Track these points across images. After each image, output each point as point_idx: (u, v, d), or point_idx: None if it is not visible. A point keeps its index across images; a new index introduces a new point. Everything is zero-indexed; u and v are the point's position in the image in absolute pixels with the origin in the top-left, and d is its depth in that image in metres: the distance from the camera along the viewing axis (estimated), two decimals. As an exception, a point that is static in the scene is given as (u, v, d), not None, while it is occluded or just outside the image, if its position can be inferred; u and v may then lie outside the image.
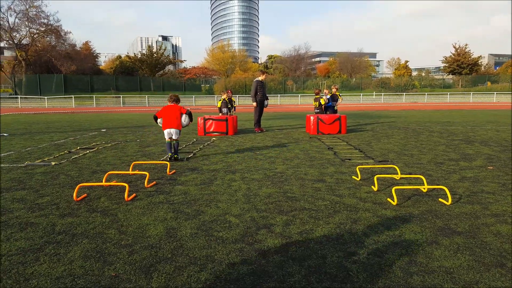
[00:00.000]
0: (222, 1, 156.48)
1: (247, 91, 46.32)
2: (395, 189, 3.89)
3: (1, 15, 44.74)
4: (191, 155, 6.50)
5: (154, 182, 4.50)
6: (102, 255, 2.50)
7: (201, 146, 7.58)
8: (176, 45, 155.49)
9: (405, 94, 42.24)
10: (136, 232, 2.91)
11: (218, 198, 3.82)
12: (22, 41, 47.70)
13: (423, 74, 64.80)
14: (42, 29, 48.04)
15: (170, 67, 63.68)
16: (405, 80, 55.19)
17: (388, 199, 3.74)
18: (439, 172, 4.99)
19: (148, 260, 2.41)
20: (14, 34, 46.21)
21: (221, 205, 3.59)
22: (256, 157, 6.26)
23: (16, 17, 45.82)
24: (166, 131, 6.00)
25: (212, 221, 3.16)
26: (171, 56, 71.25)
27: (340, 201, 3.70)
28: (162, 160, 5.94)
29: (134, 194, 3.95)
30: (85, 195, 3.94)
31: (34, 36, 47.81)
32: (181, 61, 75.20)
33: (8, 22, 45.52)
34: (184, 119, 6.10)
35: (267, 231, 2.92)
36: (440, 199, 3.73)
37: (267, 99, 10.83)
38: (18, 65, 48.14)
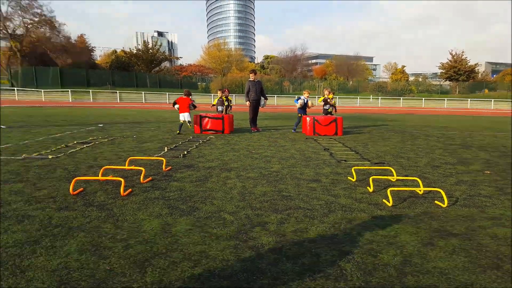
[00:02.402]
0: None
1: (243, 90, 46.23)
2: (391, 191, 3.91)
3: None
4: (187, 152, 6.48)
5: (150, 178, 4.48)
6: (98, 249, 2.49)
7: (197, 144, 7.56)
8: (172, 42, 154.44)
9: (402, 99, 42.43)
10: (132, 227, 2.90)
11: (213, 195, 3.82)
12: (16, 31, 47.00)
13: (420, 79, 65.09)
14: (36, 19, 47.31)
15: (166, 64, 63.29)
16: (402, 84, 55.44)
17: (384, 200, 3.76)
18: (435, 175, 5.02)
19: (142, 255, 2.41)
20: (7, 24, 45.41)
21: (216, 202, 3.58)
22: (251, 156, 6.26)
23: (8, 6, 45.02)
24: (181, 115, 9.47)
25: (206, 217, 3.15)
26: (167, 53, 70.83)
27: (335, 201, 3.71)
28: (158, 156, 5.92)
29: (130, 189, 3.93)
30: (82, 189, 3.92)
31: (28, 26, 47.12)
32: (177, 58, 74.87)
33: (0, 10, 44.71)
34: (191, 107, 9.71)
35: (262, 228, 2.93)
36: (436, 202, 3.75)
37: (266, 98, 10.84)
38: (13, 56, 47.48)
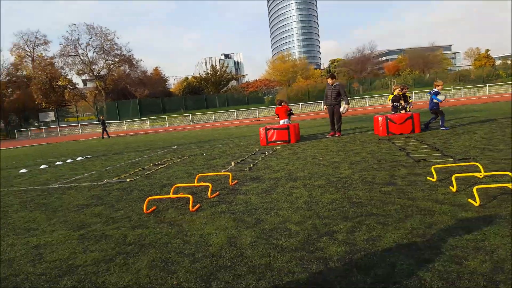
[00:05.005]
0: (280, 12, 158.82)
1: (310, 98, 46.11)
2: (477, 188, 3.43)
3: (82, 51, 51.33)
4: (253, 165, 6.55)
5: (217, 193, 4.60)
6: (167, 264, 2.59)
7: (263, 156, 7.61)
8: (237, 61, 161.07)
9: (488, 86, 37.94)
10: (199, 241, 2.98)
11: (278, 206, 3.76)
12: (101, 72, 53.83)
13: (509, 62, 57.48)
14: (117, 59, 53.71)
15: (233, 83, 66.05)
16: (487, 70, 49.65)
17: (469, 200, 3.31)
18: (533, 168, 4.29)
19: (208, 269, 2.44)
20: (93, 67, 52.43)
21: (281, 213, 3.52)
22: (319, 163, 6.08)
23: (94, 51, 52.02)
24: (281, 121, 10.85)
25: (272, 229, 3.10)
26: (233, 72, 73.90)
27: (412, 205, 3.37)
28: (225, 171, 6.09)
29: (198, 205, 4.08)
30: (155, 207, 4.18)
31: (110, 66, 53.61)
32: (243, 76, 77.61)
33: (87, 56, 51.94)
34: (289, 115, 11.10)
35: (330, 238, 2.77)
36: (535, 198, 3.19)
37: (347, 103, 9.97)
38: (98, 94, 54.34)
